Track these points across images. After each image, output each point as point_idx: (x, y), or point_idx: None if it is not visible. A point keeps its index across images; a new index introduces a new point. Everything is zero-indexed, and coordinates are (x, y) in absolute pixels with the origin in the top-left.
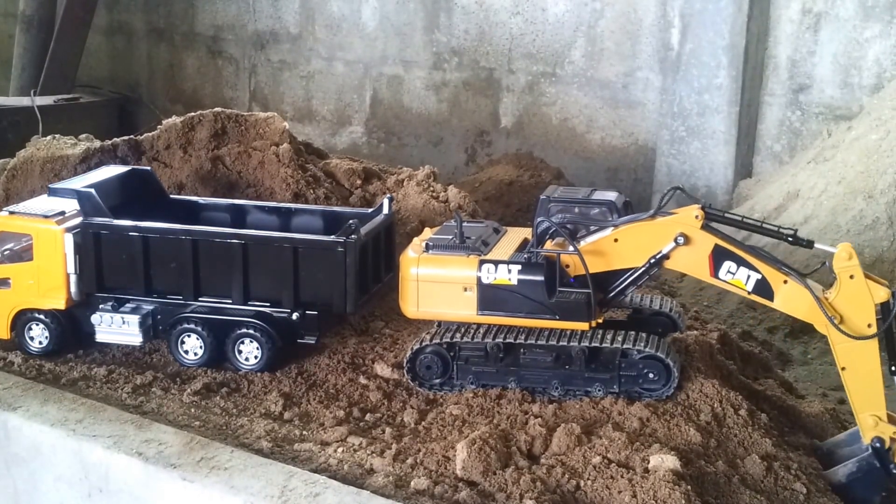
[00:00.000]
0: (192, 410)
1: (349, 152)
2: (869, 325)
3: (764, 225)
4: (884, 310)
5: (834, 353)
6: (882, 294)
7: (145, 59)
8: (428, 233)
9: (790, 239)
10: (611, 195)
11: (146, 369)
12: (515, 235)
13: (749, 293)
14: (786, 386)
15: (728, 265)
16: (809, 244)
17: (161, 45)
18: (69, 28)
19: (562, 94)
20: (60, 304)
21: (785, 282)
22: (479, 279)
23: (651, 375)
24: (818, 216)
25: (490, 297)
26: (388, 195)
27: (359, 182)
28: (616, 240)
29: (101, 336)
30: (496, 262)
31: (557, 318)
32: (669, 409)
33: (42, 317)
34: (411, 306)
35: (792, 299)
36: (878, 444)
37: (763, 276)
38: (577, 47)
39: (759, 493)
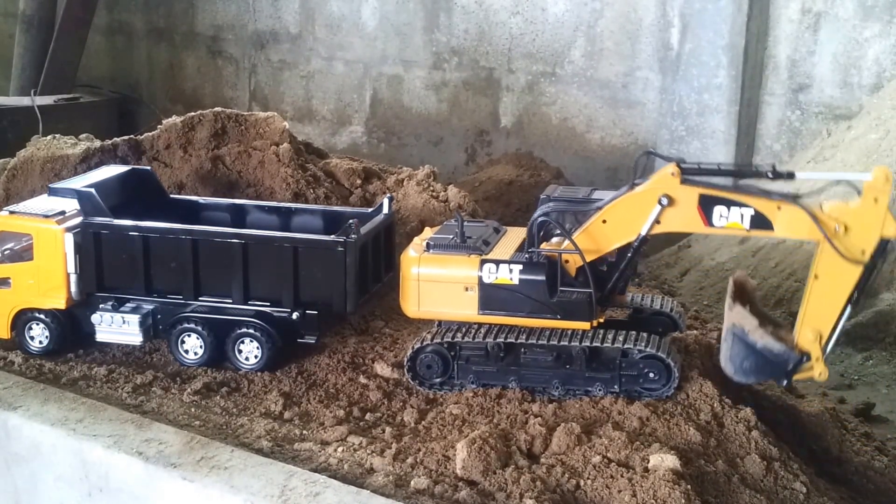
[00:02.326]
0: (193, 410)
1: (349, 152)
2: (864, 252)
3: (741, 167)
4: (881, 245)
5: (816, 259)
6: (892, 230)
7: (145, 59)
8: (428, 232)
9: (770, 175)
10: (610, 195)
11: (146, 369)
12: (516, 235)
13: (748, 230)
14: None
15: (719, 210)
16: (790, 176)
17: (161, 45)
18: (69, 28)
19: (562, 94)
20: (61, 304)
21: (779, 208)
22: (480, 279)
23: (651, 375)
24: None
25: (491, 296)
26: (388, 195)
27: (359, 182)
28: (604, 220)
29: (102, 336)
30: (497, 262)
31: (559, 317)
32: (669, 408)
33: (42, 316)
34: (412, 306)
35: (790, 223)
36: (805, 359)
37: (756, 210)
38: (577, 47)
39: (758, 493)
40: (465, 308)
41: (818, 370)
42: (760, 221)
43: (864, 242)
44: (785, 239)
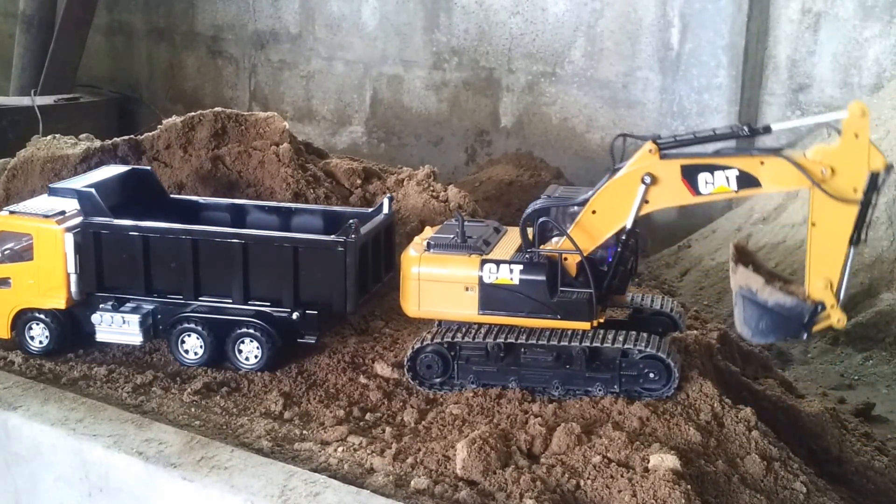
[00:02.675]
0: (193, 410)
1: (349, 152)
2: (855, 190)
3: (716, 131)
4: (871, 180)
5: (811, 207)
6: (879, 162)
7: (145, 59)
8: (429, 232)
9: (747, 132)
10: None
11: (146, 369)
12: (516, 235)
13: (736, 192)
14: (786, 385)
15: (703, 178)
16: (767, 129)
17: (161, 45)
18: (69, 28)
19: (562, 94)
20: (61, 304)
21: (762, 163)
22: (480, 279)
23: (651, 375)
24: None
25: (491, 296)
26: (388, 195)
27: (359, 182)
28: (594, 211)
29: (102, 335)
30: (498, 262)
31: (559, 317)
32: (669, 408)
33: (42, 316)
34: (412, 305)
35: (776, 175)
36: (820, 308)
37: (740, 170)
38: (577, 47)
39: (758, 493)
40: (466, 308)
41: (836, 317)
42: (746, 180)
43: (854, 180)
44: (785, 238)
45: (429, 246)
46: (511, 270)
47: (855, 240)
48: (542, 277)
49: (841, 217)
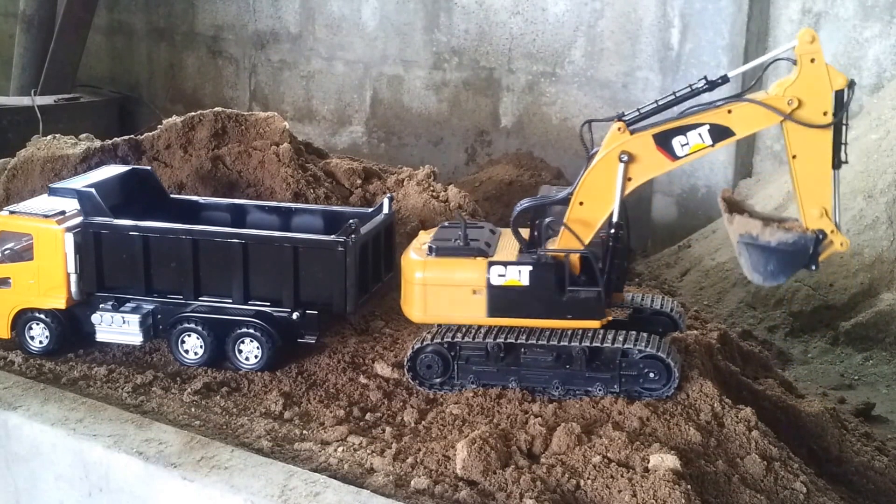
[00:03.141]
0: (193, 410)
1: (349, 152)
2: (825, 113)
3: (677, 94)
4: (837, 99)
5: (787, 141)
6: (840, 81)
7: (145, 59)
8: (425, 235)
9: (705, 86)
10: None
11: (146, 369)
12: (511, 236)
13: (713, 145)
14: (786, 385)
15: (677, 141)
16: (725, 79)
17: (161, 45)
18: (69, 28)
19: (562, 94)
20: (61, 304)
21: (729, 111)
22: (488, 281)
23: (652, 375)
24: None
25: (500, 298)
26: (388, 195)
27: (359, 182)
28: (581, 202)
29: (102, 335)
30: (505, 263)
31: (569, 317)
32: (669, 408)
33: (42, 316)
34: (417, 311)
35: (746, 119)
36: (821, 236)
37: (710, 123)
38: (577, 47)
39: (758, 493)
40: (474, 312)
41: (838, 241)
42: (719, 132)
43: (822, 104)
44: None
45: (431, 250)
46: (520, 272)
47: (836, 163)
48: (551, 277)
49: (818, 143)
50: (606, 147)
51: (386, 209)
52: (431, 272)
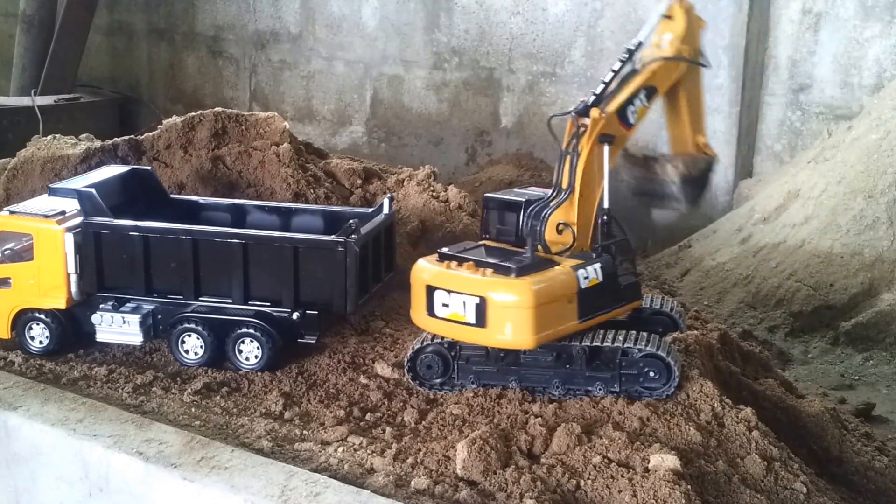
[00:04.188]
0: (193, 410)
1: (349, 152)
2: (700, 52)
3: (613, 68)
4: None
5: (681, 82)
6: (703, 24)
7: (146, 59)
8: (435, 265)
9: (628, 56)
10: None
11: (147, 369)
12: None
13: (648, 105)
14: (786, 386)
15: (629, 110)
16: (640, 45)
17: (161, 45)
18: (70, 28)
19: (562, 94)
20: (61, 304)
21: (654, 72)
22: (578, 286)
23: (652, 374)
24: (818, 216)
25: (586, 300)
26: (389, 195)
27: (359, 182)
28: (581, 195)
29: (102, 336)
30: (584, 265)
31: (623, 303)
32: (670, 408)
33: (42, 316)
34: (529, 336)
35: (662, 75)
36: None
37: (645, 86)
38: (578, 47)
39: (759, 493)
40: (568, 320)
41: (711, 150)
42: (649, 93)
43: (698, 44)
44: (785, 238)
45: (514, 272)
46: (595, 270)
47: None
48: (613, 269)
49: (699, 77)
50: (591, 136)
51: (386, 209)
52: (540, 295)
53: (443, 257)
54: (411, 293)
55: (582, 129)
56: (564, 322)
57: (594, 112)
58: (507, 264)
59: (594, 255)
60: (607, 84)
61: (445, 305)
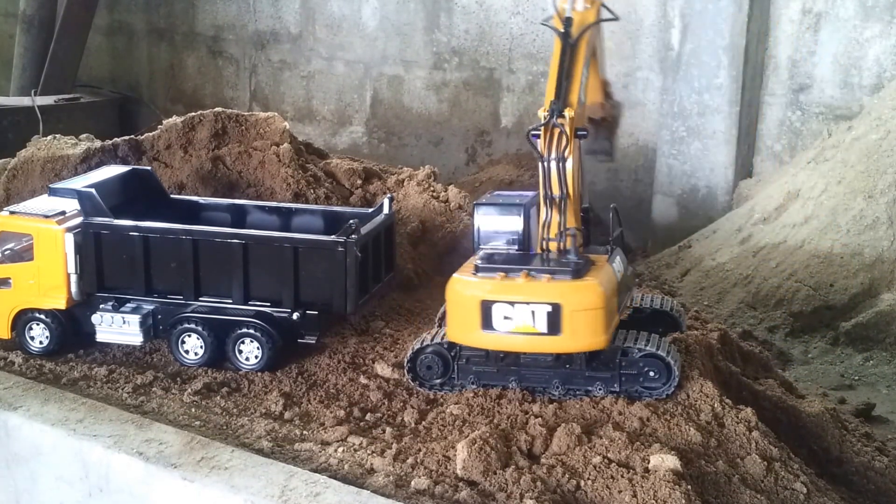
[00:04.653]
0: (193, 410)
1: (349, 152)
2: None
3: (552, 56)
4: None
5: (591, 44)
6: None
7: (146, 59)
8: (469, 275)
9: (563, 33)
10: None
11: (147, 369)
12: None
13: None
14: (786, 386)
15: (581, 91)
16: (548, 20)
17: (161, 45)
18: (70, 28)
19: None
20: (61, 304)
21: (587, 41)
22: (616, 279)
23: (652, 374)
24: (818, 216)
25: (620, 292)
26: (389, 195)
27: (359, 182)
28: (570, 195)
29: (102, 336)
30: (611, 259)
31: (631, 290)
32: (670, 408)
33: (43, 316)
34: (601, 335)
35: (586, 45)
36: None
37: (586, 59)
38: None
39: (759, 493)
40: (615, 314)
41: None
42: (587, 63)
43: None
44: (785, 238)
45: (575, 274)
46: (620, 262)
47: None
48: (627, 259)
49: (600, 38)
50: (572, 135)
51: (386, 209)
52: (605, 293)
53: (484, 270)
54: (453, 312)
55: (561, 133)
56: (615, 316)
57: (569, 112)
58: (561, 268)
59: (608, 249)
60: (560, 78)
61: (508, 318)
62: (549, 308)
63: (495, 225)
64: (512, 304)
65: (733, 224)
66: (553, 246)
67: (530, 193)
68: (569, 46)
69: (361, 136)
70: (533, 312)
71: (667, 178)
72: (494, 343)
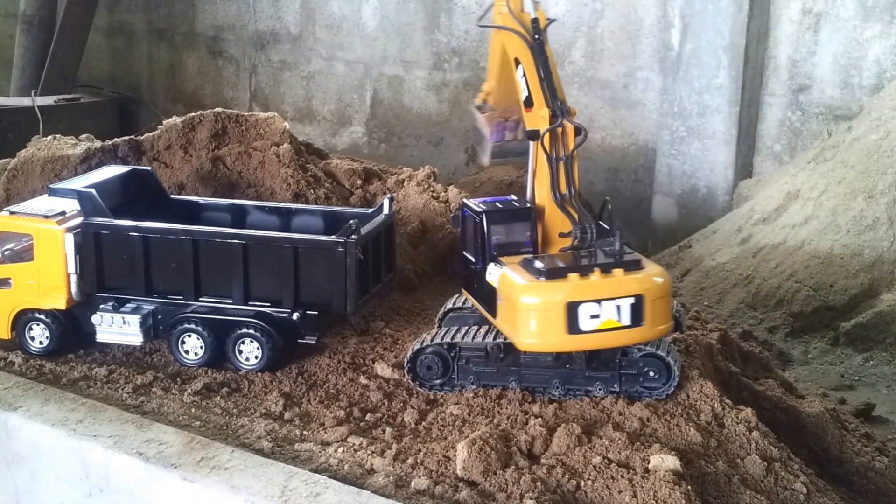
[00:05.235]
0: (193, 410)
1: (349, 152)
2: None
3: (542, 69)
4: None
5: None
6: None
7: (146, 60)
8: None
9: (538, 46)
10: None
11: (147, 369)
12: None
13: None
14: (786, 386)
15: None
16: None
17: (161, 46)
18: (70, 28)
19: None
20: (61, 304)
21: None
22: None
23: (651, 374)
24: (818, 216)
25: None
26: (389, 195)
27: (359, 182)
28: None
29: (102, 336)
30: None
31: None
32: (670, 409)
33: (43, 317)
34: (670, 321)
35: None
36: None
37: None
38: (578, 47)
39: (759, 493)
40: None
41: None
42: (516, 63)
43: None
44: (785, 239)
45: (637, 265)
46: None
47: None
48: None
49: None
50: (572, 134)
51: (386, 210)
52: (663, 285)
53: (552, 273)
54: (530, 321)
55: (562, 132)
56: None
57: (573, 110)
58: (625, 261)
59: (614, 238)
60: (552, 82)
61: (595, 317)
62: (633, 300)
63: (507, 232)
64: (599, 301)
65: (733, 224)
66: (575, 243)
67: (496, 199)
68: (538, 48)
69: (361, 136)
70: (618, 307)
71: (667, 178)
72: (580, 344)
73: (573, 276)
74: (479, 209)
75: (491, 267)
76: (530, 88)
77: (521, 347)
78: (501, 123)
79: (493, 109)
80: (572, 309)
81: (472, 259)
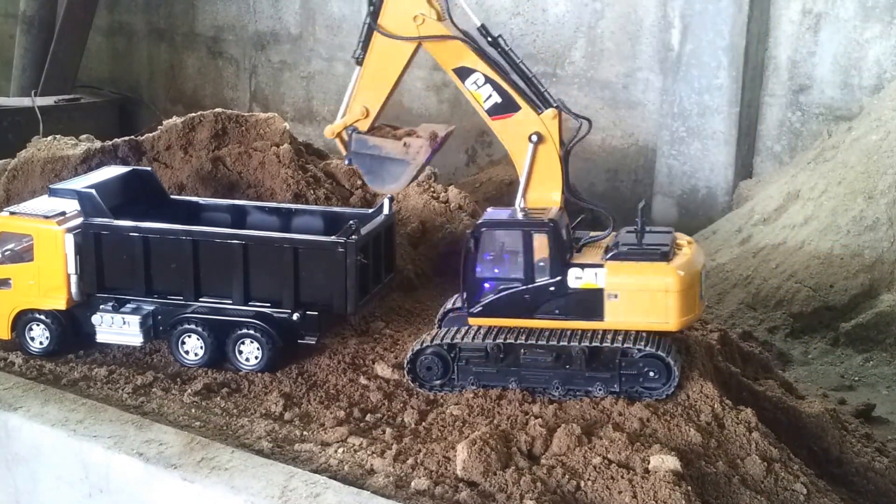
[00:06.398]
0: (193, 411)
1: None
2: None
3: (528, 72)
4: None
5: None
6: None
7: (146, 60)
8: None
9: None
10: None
11: (147, 370)
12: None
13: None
14: (786, 386)
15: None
16: (497, 37)
17: (161, 46)
18: (70, 29)
19: (562, 95)
20: (61, 305)
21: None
22: None
23: (652, 374)
24: (818, 217)
25: None
26: (389, 196)
27: (359, 182)
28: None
29: (102, 336)
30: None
31: None
32: (670, 409)
33: (43, 317)
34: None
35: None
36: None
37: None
38: (578, 48)
39: (759, 494)
40: None
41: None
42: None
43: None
44: (785, 239)
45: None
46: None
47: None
48: None
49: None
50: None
51: (386, 210)
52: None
53: (667, 256)
54: (683, 298)
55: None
56: None
57: (528, 112)
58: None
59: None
60: (528, 77)
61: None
62: (705, 272)
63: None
64: (701, 272)
65: (733, 225)
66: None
67: (493, 214)
68: (495, 50)
69: None
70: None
71: (667, 179)
72: (702, 309)
73: (673, 256)
74: (524, 223)
75: (574, 272)
76: (503, 94)
77: (678, 327)
78: (435, 141)
79: (378, 129)
80: (699, 279)
81: (524, 277)
